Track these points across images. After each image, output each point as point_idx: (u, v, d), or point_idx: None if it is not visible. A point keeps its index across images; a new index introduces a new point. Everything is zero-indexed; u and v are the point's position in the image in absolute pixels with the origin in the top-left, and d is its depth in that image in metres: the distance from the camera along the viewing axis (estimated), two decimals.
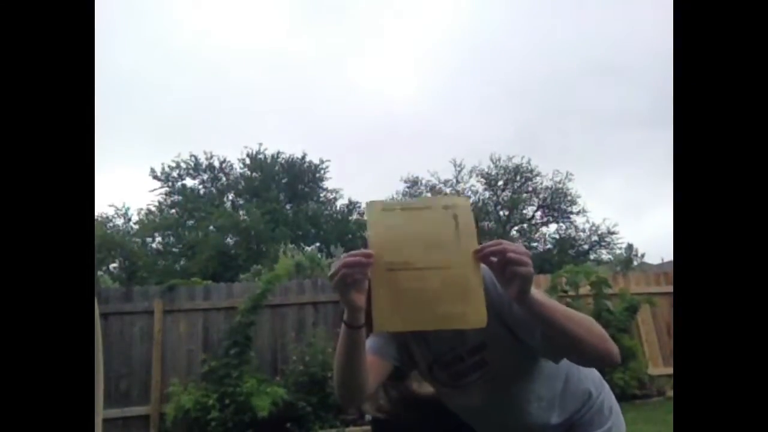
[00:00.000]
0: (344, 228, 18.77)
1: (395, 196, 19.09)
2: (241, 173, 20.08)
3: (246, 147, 19.63)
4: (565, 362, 1.01)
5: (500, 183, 19.09)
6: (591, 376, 1.14)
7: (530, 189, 19.01)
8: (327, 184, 20.61)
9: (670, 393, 6.46)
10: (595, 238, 18.34)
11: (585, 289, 6.64)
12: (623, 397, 6.07)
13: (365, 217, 0.89)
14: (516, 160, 18.86)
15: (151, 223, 17.73)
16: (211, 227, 16.97)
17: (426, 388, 1.21)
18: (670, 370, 6.85)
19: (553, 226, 19.17)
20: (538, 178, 18.83)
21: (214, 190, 19.63)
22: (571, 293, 6.48)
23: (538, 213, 19.27)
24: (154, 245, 17.96)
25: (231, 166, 20.00)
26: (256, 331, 6.16)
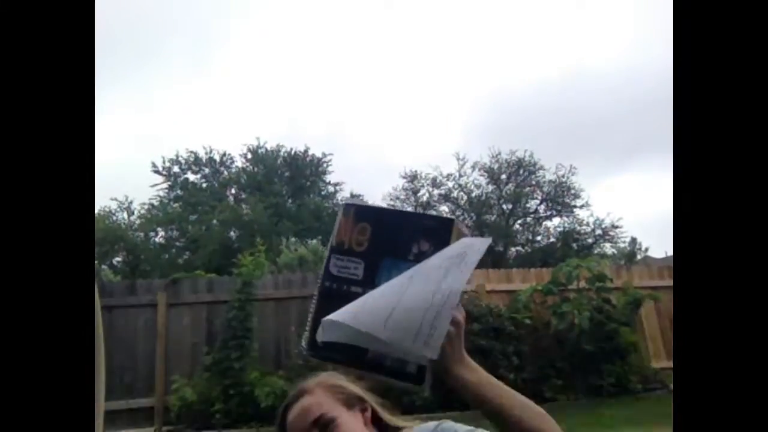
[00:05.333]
0: None
1: (395, 190, 19.04)
2: (243, 167, 20.09)
3: (245, 144, 19.65)
4: None
5: (503, 177, 19.01)
6: None
7: (533, 182, 18.94)
8: (329, 177, 20.64)
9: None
10: (599, 231, 18.28)
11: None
12: (624, 391, 6.08)
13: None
14: (519, 154, 18.79)
15: (154, 217, 17.79)
16: (215, 221, 17.02)
17: None
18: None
19: (556, 220, 19.11)
20: (541, 171, 18.75)
21: (216, 185, 19.65)
22: (571, 287, 6.45)
23: (542, 206, 19.21)
24: (157, 239, 18.05)
25: (232, 159, 20.02)
26: (259, 324, 6.18)
